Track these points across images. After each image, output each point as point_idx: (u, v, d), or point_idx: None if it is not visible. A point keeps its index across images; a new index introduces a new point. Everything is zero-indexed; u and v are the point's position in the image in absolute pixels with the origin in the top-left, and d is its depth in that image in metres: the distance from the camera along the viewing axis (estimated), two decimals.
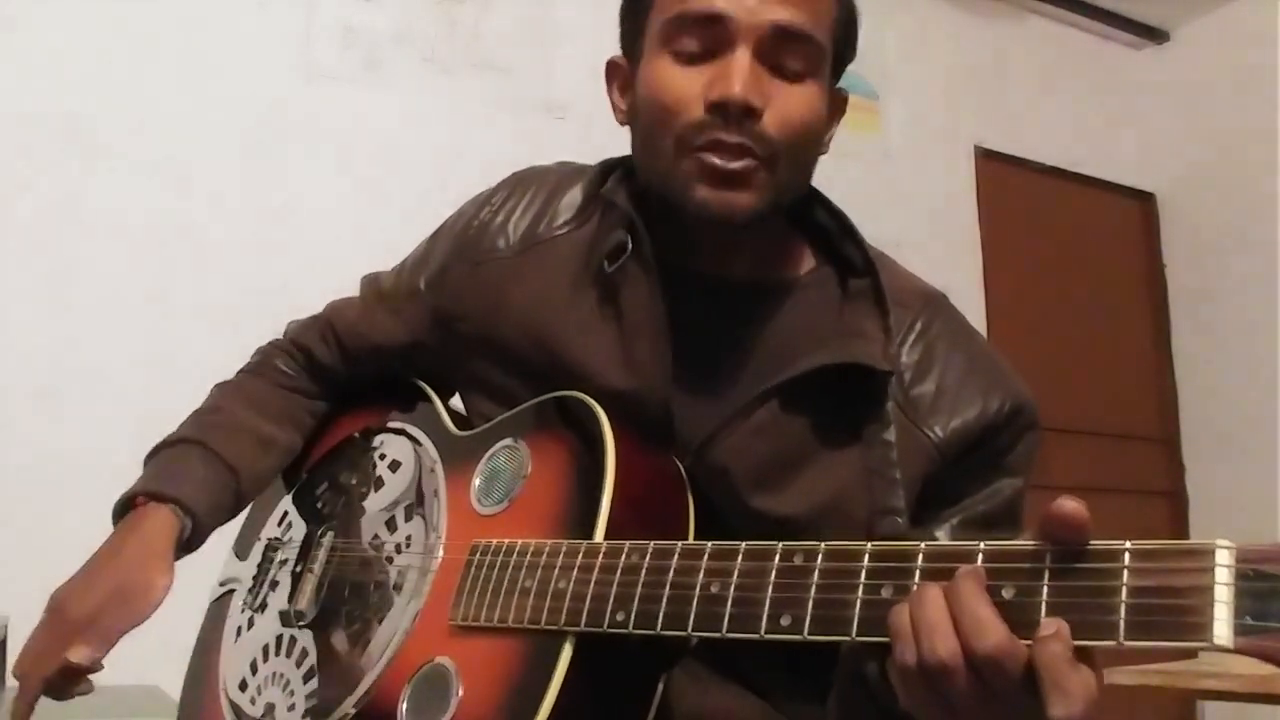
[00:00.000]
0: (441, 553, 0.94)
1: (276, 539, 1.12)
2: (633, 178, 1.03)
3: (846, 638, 0.68)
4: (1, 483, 2.24)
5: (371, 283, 1.16)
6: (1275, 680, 1.92)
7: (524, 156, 1.17)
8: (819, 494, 0.92)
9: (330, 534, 1.07)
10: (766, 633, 0.71)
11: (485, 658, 0.84)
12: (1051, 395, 2.78)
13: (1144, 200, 4.27)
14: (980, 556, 0.65)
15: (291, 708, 0.97)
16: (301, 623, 1.02)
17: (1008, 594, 0.63)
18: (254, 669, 1.03)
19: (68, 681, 0.95)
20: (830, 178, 1.01)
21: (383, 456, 1.08)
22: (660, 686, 0.83)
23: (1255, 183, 3.83)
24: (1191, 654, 2.06)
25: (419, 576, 0.94)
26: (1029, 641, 0.61)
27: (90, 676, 0.96)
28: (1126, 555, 0.60)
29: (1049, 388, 2.88)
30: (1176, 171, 4.20)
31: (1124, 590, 0.59)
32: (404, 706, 0.86)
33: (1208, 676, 2.04)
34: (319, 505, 1.11)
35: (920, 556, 0.67)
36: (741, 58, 0.90)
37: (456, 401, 1.12)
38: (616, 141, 1.06)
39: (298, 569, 1.06)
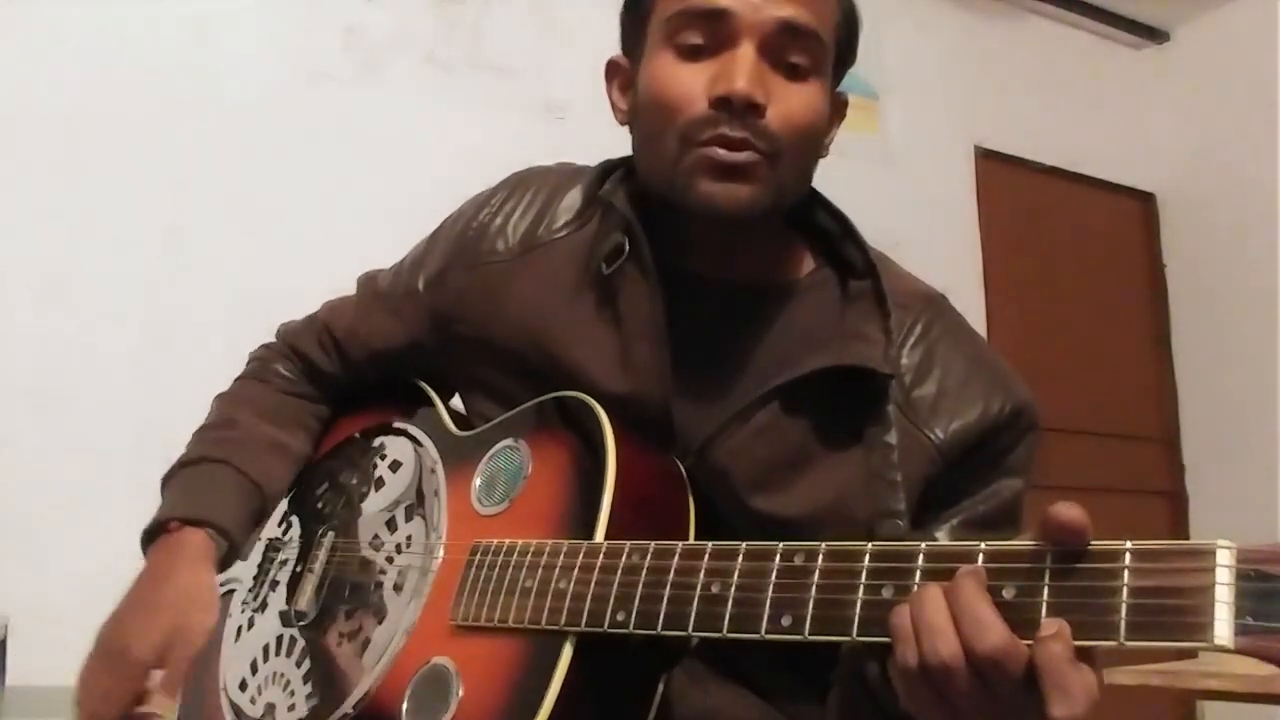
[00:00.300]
0: (442, 553, 0.94)
1: (277, 539, 1.12)
2: (632, 179, 1.02)
3: (847, 638, 0.68)
4: (1, 483, 2.24)
5: (369, 282, 1.15)
6: (1275, 680, 1.92)
7: (524, 156, 1.17)
8: (820, 496, 0.92)
9: (330, 534, 1.07)
10: (767, 633, 0.71)
11: (486, 658, 0.84)
12: (1051, 395, 2.78)
13: (1144, 200, 4.27)
14: (981, 557, 0.65)
15: (292, 708, 0.97)
16: (302, 623, 1.02)
17: (1008, 594, 0.63)
18: (254, 669, 1.03)
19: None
20: (830, 178, 1.01)
21: (383, 457, 1.08)
22: (661, 686, 0.83)
23: (1255, 183, 3.83)
24: (1191, 654, 2.06)
25: (419, 576, 0.94)
26: (1030, 642, 0.61)
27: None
28: (1127, 555, 0.60)
29: (1049, 388, 2.89)
30: (1176, 171, 4.20)
31: (1125, 590, 0.59)
32: (404, 706, 0.86)
33: (1208, 676, 2.04)
34: (319, 505, 1.11)
35: (921, 557, 0.67)
36: (746, 53, 0.90)
37: (456, 401, 1.12)
38: (616, 141, 1.06)
39: (298, 569, 1.06)
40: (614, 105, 1.03)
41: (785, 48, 0.92)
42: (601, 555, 0.81)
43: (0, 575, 2.13)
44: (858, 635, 0.68)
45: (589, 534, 0.83)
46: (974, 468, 0.95)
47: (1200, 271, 4.11)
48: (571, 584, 0.81)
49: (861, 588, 0.68)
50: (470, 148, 2.73)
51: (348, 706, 0.91)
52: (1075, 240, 4.04)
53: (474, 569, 0.89)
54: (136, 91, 2.51)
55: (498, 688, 0.82)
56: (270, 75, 2.68)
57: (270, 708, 0.99)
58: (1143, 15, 4.22)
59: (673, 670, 0.85)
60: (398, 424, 1.10)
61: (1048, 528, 0.62)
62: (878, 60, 3.49)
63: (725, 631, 0.73)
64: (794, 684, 0.94)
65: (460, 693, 0.83)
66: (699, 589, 0.75)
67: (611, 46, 1.04)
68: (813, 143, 0.95)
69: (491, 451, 0.96)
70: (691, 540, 0.86)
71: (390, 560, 0.99)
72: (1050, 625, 0.61)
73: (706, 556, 0.76)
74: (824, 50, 0.95)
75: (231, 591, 1.14)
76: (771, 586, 0.72)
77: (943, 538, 0.93)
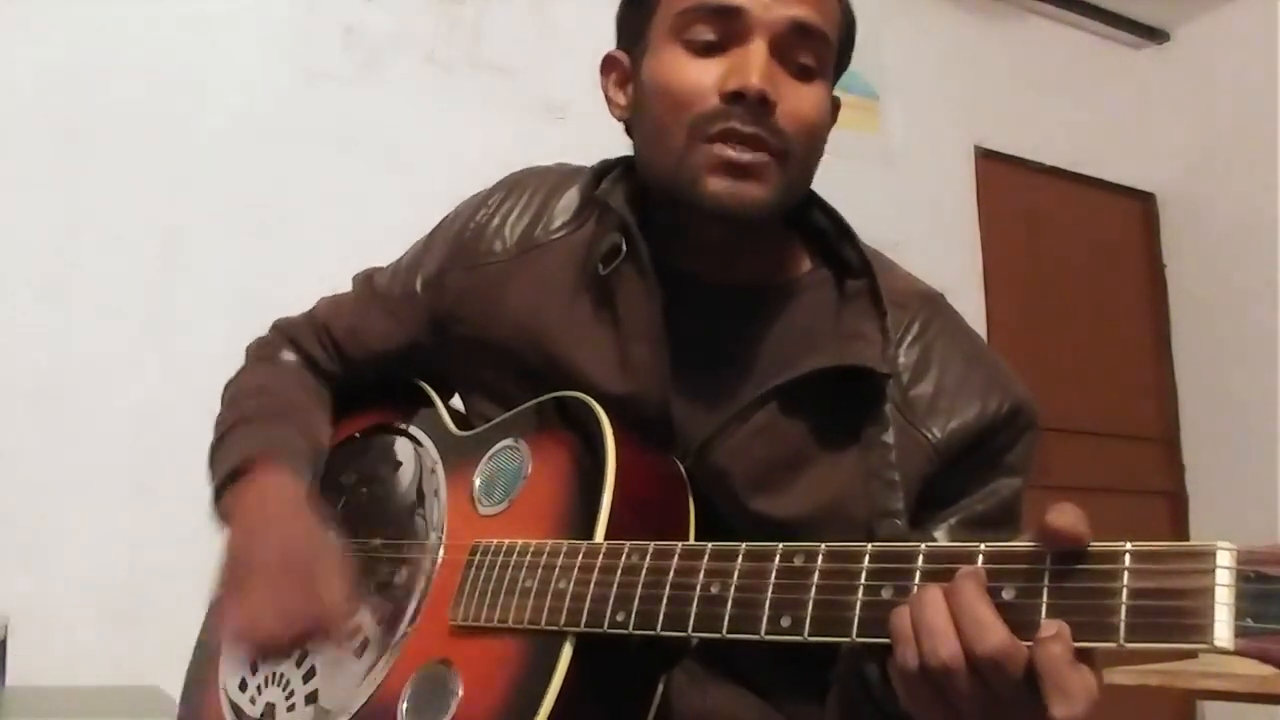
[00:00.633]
0: (442, 553, 0.94)
1: None
2: (629, 179, 1.02)
3: (847, 639, 0.68)
4: (1, 483, 2.24)
5: (366, 281, 1.15)
6: (1275, 680, 1.92)
7: (524, 156, 1.17)
8: (818, 496, 0.92)
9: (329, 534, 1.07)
10: (766, 634, 0.71)
11: (485, 658, 0.84)
12: (1051, 395, 2.78)
13: (1144, 200, 4.27)
14: (981, 558, 0.65)
15: (291, 708, 0.97)
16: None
17: (1008, 595, 0.63)
18: (253, 669, 1.03)
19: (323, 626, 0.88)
20: (830, 178, 1.01)
21: (383, 457, 1.08)
22: (660, 687, 0.83)
23: (1255, 183, 3.83)
24: (1191, 654, 2.06)
25: (419, 576, 0.94)
26: (1029, 643, 0.61)
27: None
28: (1127, 557, 0.60)
29: (1049, 388, 2.89)
30: (1176, 171, 4.20)
31: (1124, 592, 0.59)
32: (404, 706, 0.86)
33: (1208, 676, 2.04)
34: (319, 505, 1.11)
35: (920, 558, 0.67)
36: (759, 49, 0.90)
37: (456, 401, 1.12)
38: (616, 142, 1.06)
39: None
40: (610, 100, 1.03)
41: (795, 47, 0.92)
42: (601, 556, 0.81)
43: (0, 575, 2.14)
44: (857, 636, 0.68)
45: (589, 534, 0.83)
46: (972, 467, 0.95)
47: (1200, 271, 4.11)
48: (571, 584, 0.81)
49: (861, 589, 0.68)
50: (470, 148, 2.73)
51: (348, 707, 0.91)
52: (1075, 240, 4.04)
53: (473, 569, 0.89)
54: (136, 91, 2.51)
55: (497, 688, 0.82)
56: (270, 75, 2.68)
57: (270, 708, 0.99)
58: (1143, 15, 4.22)
59: (672, 670, 0.85)
60: (397, 424, 1.10)
61: (1044, 534, 0.62)
62: (878, 60, 3.49)
63: (725, 632, 0.73)
64: (792, 683, 0.94)
65: (459, 693, 0.83)
66: (698, 590, 0.75)
67: (611, 46, 1.04)
68: (819, 142, 0.96)
69: (491, 451, 0.96)
70: (691, 541, 0.86)
71: (390, 560, 0.99)
72: (1050, 626, 0.61)
73: (706, 557, 0.76)
74: (830, 52, 0.95)
75: None
76: (771, 587, 0.72)
77: (941, 537, 0.93)
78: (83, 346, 2.38)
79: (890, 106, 3.62)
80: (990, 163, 3.87)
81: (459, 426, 1.06)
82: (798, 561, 0.71)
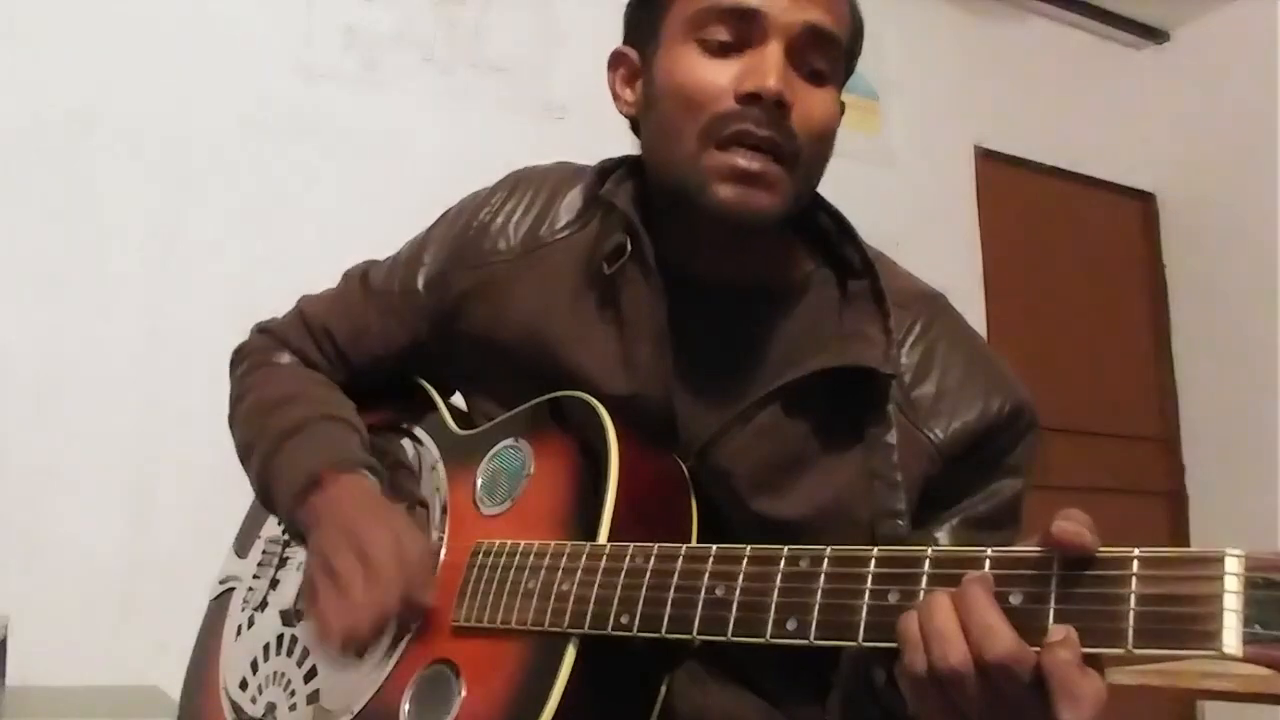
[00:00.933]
0: (443, 553, 0.94)
1: (277, 537, 1.11)
2: (633, 178, 1.02)
3: (853, 643, 0.68)
4: (1, 483, 2.24)
5: (360, 278, 1.13)
6: (1275, 680, 1.92)
7: (524, 156, 1.17)
8: (821, 497, 0.92)
9: None
10: (772, 637, 0.71)
11: (488, 659, 0.84)
12: (1051, 395, 2.78)
13: (1144, 200, 4.26)
14: (988, 563, 0.65)
15: (293, 707, 0.97)
16: (302, 621, 1.01)
17: (1015, 600, 0.63)
18: (254, 668, 1.03)
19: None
20: (830, 178, 1.01)
21: (384, 456, 1.08)
22: (663, 688, 0.83)
23: (1255, 183, 3.83)
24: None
25: None
26: (1037, 648, 0.61)
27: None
28: (1135, 563, 0.60)
29: (1049, 388, 2.89)
30: (1176, 171, 4.19)
31: (1132, 598, 0.59)
32: (406, 707, 0.86)
33: (1208, 676, 2.03)
34: None
35: (927, 562, 0.67)
36: (775, 51, 0.90)
37: (458, 400, 1.11)
38: (617, 142, 1.06)
39: (299, 568, 1.06)
40: (617, 96, 1.02)
41: (809, 51, 0.92)
42: (605, 558, 0.81)
43: (0, 575, 2.13)
44: (863, 641, 0.67)
45: (592, 535, 0.83)
46: (974, 467, 0.95)
47: (1200, 271, 4.11)
48: (575, 586, 0.81)
49: (867, 593, 0.68)
50: (470, 148, 2.73)
51: (349, 707, 0.91)
52: (1075, 240, 4.03)
53: (475, 570, 0.89)
54: (136, 90, 2.51)
55: (499, 689, 0.82)
56: (270, 75, 2.67)
57: (271, 707, 0.98)
58: (1143, 15, 4.22)
59: (674, 671, 0.85)
60: (398, 423, 1.10)
61: (1052, 540, 0.62)
62: (878, 60, 3.49)
63: (730, 635, 0.73)
64: (794, 684, 0.94)
65: (462, 694, 0.83)
66: (703, 592, 0.75)
67: (611, 46, 1.04)
68: (828, 147, 0.96)
69: (493, 451, 0.96)
70: (694, 542, 0.86)
71: None
72: (1058, 631, 0.61)
73: (711, 560, 0.76)
74: (841, 56, 0.96)
75: (231, 590, 1.14)
76: (777, 590, 0.72)
77: (943, 538, 0.93)
78: (82, 346, 2.38)
79: (890, 107, 3.62)
80: (990, 163, 3.87)
81: (461, 426, 1.05)
82: (803, 565, 0.71)
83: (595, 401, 0.91)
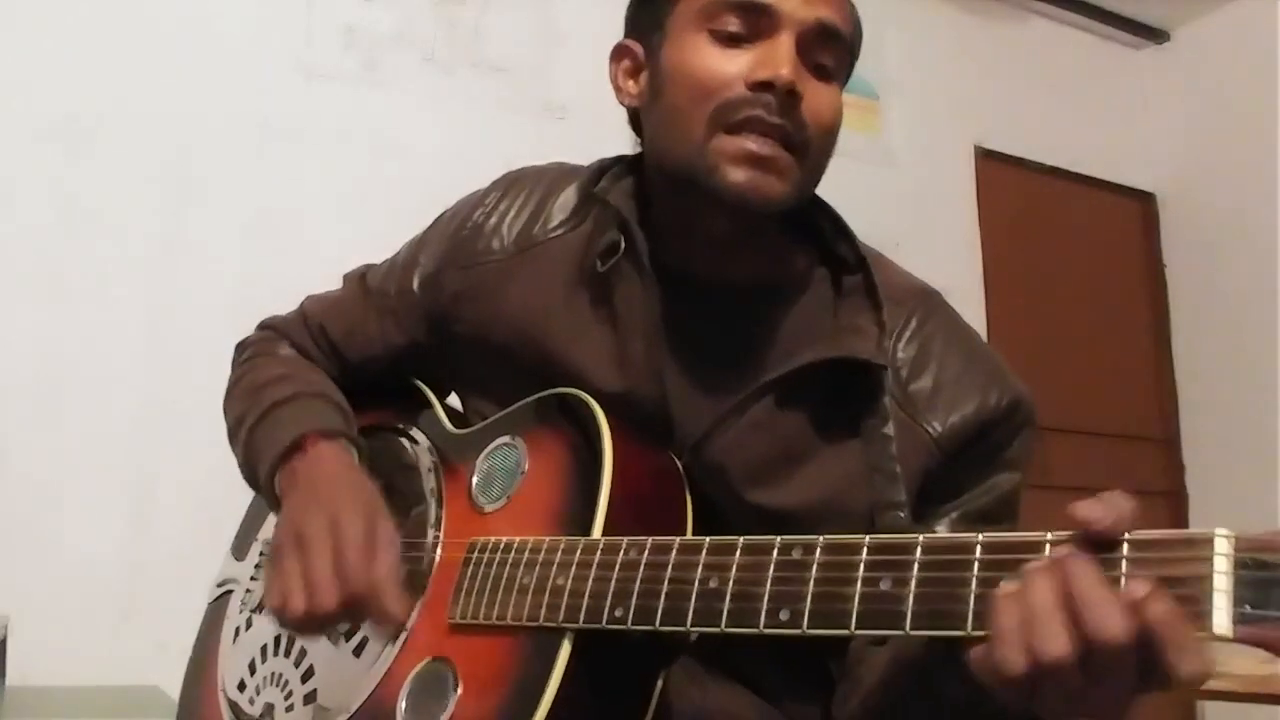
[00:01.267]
0: (439, 551, 0.94)
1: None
2: (628, 177, 1.03)
3: (846, 631, 0.68)
4: (2, 482, 2.24)
5: (358, 280, 1.14)
6: (1275, 680, 1.92)
7: (524, 156, 1.17)
8: (817, 488, 0.92)
9: None
10: (765, 627, 0.71)
11: (484, 655, 0.84)
12: (1051, 395, 2.78)
13: (1144, 200, 4.26)
14: (979, 548, 0.65)
15: (290, 708, 0.97)
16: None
17: (1007, 586, 0.62)
18: (252, 669, 1.03)
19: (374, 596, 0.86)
20: (830, 178, 1.01)
21: (380, 455, 1.08)
22: (659, 683, 0.83)
23: (1255, 183, 3.82)
24: None
25: (417, 575, 0.94)
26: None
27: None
28: (1125, 545, 0.60)
29: (1049, 388, 2.88)
30: (1176, 171, 4.19)
31: (1123, 580, 0.59)
32: (403, 705, 0.86)
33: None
34: None
35: (919, 549, 0.67)
36: (787, 42, 0.91)
37: (453, 400, 1.12)
38: (616, 141, 1.06)
39: None
40: (619, 89, 1.03)
41: (817, 48, 0.93)
42: (599, 551, 0.81)
43: (0, 575, 2.13)
44: (856, 629, 0.67)
45: (587, 530, 0.83)
46: (972, 461, 0.95)
47: (1200, 271, 4.10)
48: (569, 580, 0.81)
49: (860, 580, 0.68)
50: (470, 147, 2.73)
51: (347, 706, 0.91)
52: (1075, 240, 4.03)
53: (471, 566, 0.89)
54: (136, 90, 2.51)
55: (496, 685, 0.82)
56: (270, 75, 2.68)
57: (269, 708, 0.99)
58: (1143, 15, 4.22)
59: (671, 667, 0.85)
60: (394, 423, 1.10)
61: (1075, 524, 0.60)
62: (878, 60, 3.49)
63: (724, 626, 0.73)
64: (791, 681, 0.94)
65: (458, 691, 0.83)
66: (697, 584, 0.75)
67: (611, 46, 1.04)
68: (833, 143, 0.96)
69: (488, 449, 0.96)
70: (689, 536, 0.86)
71: None
72: (1141, 586, 0.57)
73: (704, 551, 0.76)
74: (847, 55, 0.97)
75: (229, 592, 1.14)
76: (770, 580, 0.72)
77: (941, 532, 0.93)
78: (82, 346, 2.38)
79: (890, 107, 3.62)
80: (990, 163, 3.87)
81: (456, 425, 1.05)
82: (796, 554, 0.71)
83: (589, 398, 0.91)
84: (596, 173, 1.05)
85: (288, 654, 1.01)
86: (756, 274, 1.00)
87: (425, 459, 1.03)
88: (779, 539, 0.73)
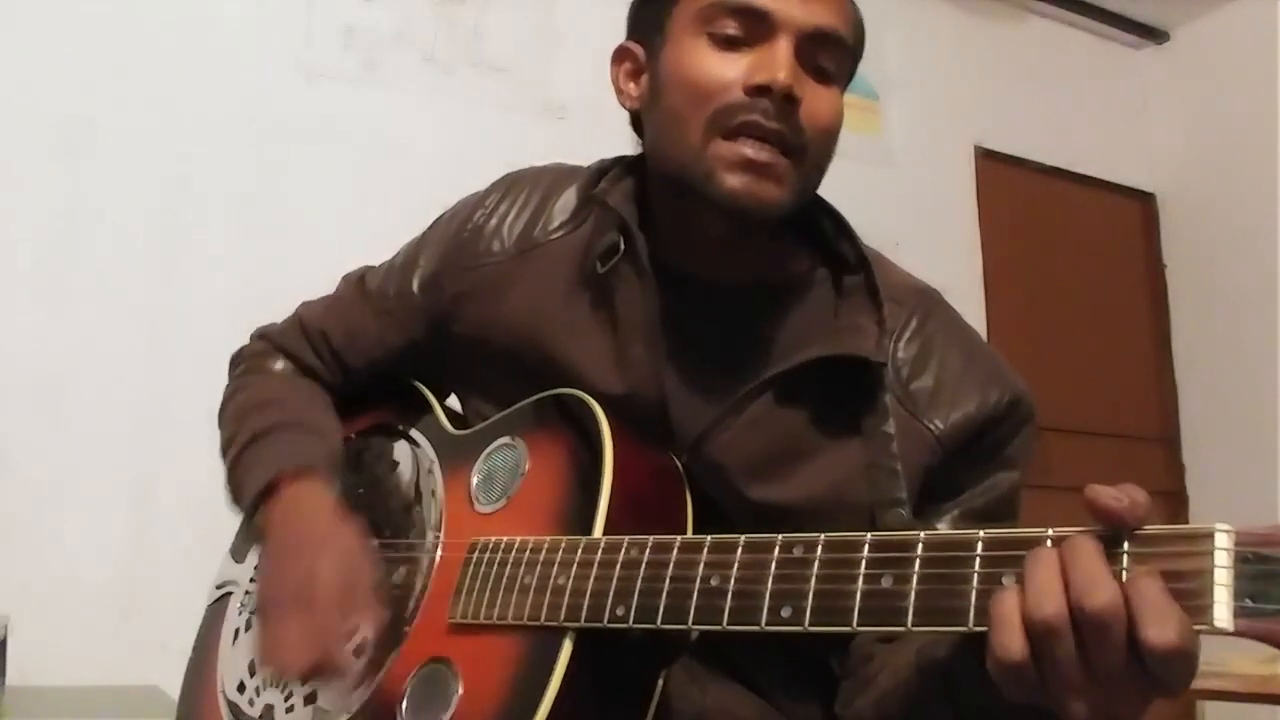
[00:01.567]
0: (440, 551, 0.94)
1: None
2: (628, 178, 1.03)
3: (848, 628, 0.68)
4: (2, 482, 2.24)
5: (357, 283, 1.14)
6: (1275, 680, 1.92)
7: (524, 156, 1.17)
8: (817, 484, 0.92)
9: None
10: (767, 625, 0.71)
11: (485, 655, 0.84)
12: (1052, 395, 2.78)
13: (1144, 200, 4.26)
14: (980, 545, 0.65)
15: (290, 709, 0.97)
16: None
17: (1008, 581, 0.62)
18: (252, 670, 1.03)
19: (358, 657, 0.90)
20: (830, 178, 1.01)
21: (380, 457, 1.08)
22: (661, 682, 0.83)
23: (1255, 183, 3.82)
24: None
25: (417, 575, 0.94)
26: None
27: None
28: (1126, 540, 0.60)
29: (1049, 388, 2.88)
30: (1176, 171, 4.19)
31: (1124, 575, 0.59)
32: (404, 705, 0.86)
33: (1208, 676, 2.03)
34: None
35: (920, 546, 0.67)
36: (785, 47, 0.91)
37: (453, 401, 1.12)
38: (616, 141, 1.06)
39: None
40: (620, 91, 1.03)
41: (816, 51, 0.93)
42: (600, 550, 0.81)
43: (0, 575, 2.13)
44: (858, 625, 0.67)
45: (587, 531, 0.83)
46: (973, 459, 0.95)
47: (1200, 271, 4.10)
48: (570, 579, 0.81)
49: (861, 577, 0.68)
50: (470, 148, 2.73)
51: (347, 707, 0.91)
52: (1075, 240, 4.03)
53: (472, 566, 0.89)
54: (136, 90, 2.51)
55: (497, 685, 0.82)
56: (270, 75, 2.68)
57: (269, 709, 0.99)
58: (1143, 15, 4.22)
59: (672, 667, 0.85)
60: (394, 425, 1.10)
61: (1090, 504, 0.60)
62: (878, 60, 3.48)
63: (725, 624, 0.73)
64: (794, 683, 0.94)
65: (459, 691, 0.83)
66: (698, 582, 0.75)
67: (611, 46, 1.04)
68: (833, 146, 0.96)
69: (488, 449, 0.96)
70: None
71: (388, 560, 0.98)
72: (1139, 569, 0.58)
73: (705, 549, 0.76)
74: (848, 57, 0.97)
75: (229, 594, 1.14)
76: (771, 578, 0.72)
77: (942, 529, 0.93)
78: (82, 346, 2.38)
79: (890, 107, 3.62)
80: (990, 163, 3.87)
81: (456, 426, 1.05)
82: (797, 552, 0.71)
83: (589, 398, 0.91)
84: (596, 174, 1.05)
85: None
86: (756, 275, 1.00)
87: (425, 460, 1.03)
88: (780, 537, 0.73)
